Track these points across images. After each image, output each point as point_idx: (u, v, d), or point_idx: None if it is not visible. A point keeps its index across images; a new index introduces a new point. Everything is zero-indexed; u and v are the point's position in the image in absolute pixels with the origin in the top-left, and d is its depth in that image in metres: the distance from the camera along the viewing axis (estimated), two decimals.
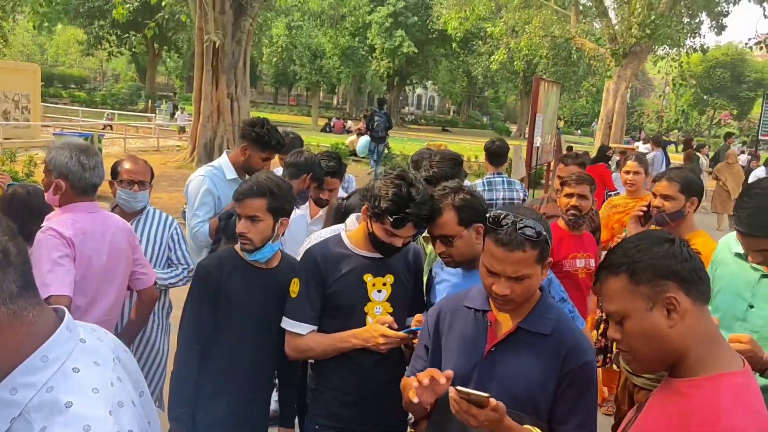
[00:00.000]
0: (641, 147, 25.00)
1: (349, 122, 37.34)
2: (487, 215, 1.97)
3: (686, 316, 1.48)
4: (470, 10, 23.67)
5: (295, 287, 2.51)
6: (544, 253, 1.93)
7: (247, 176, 3.95)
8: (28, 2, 26.60)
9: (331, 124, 37.27)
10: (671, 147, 31.79)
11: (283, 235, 2.71)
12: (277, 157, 4.46)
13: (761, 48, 21.09)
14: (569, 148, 18.98)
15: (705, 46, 23.06)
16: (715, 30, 21.38)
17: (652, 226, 3.52)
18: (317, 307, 2.50)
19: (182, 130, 23.31)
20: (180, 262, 3.56)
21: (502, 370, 1.96)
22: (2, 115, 17.80)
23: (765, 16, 20.03)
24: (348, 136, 25.50)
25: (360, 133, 21.15)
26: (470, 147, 27.77)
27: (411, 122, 54.56)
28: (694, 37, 21.36)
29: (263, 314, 2.61)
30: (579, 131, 57.47)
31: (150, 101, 35.73)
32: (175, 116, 26.67)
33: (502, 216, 1.92)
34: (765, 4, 19.68)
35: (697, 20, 20.82)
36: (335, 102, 69.67)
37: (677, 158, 24.40)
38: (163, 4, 15.33)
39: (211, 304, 2.58)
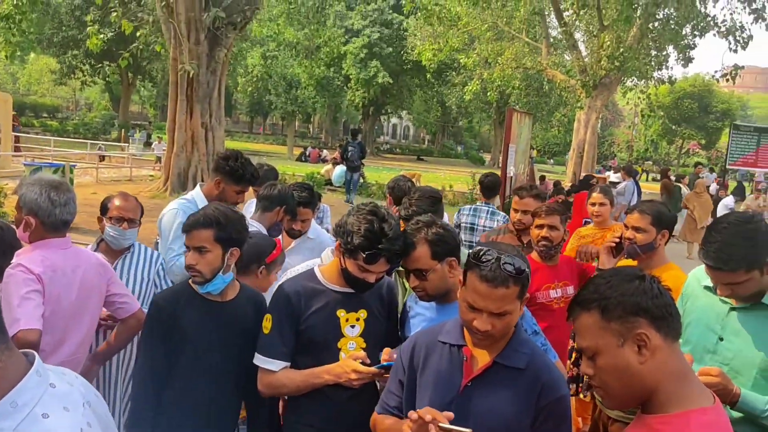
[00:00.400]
0: (612, 176, 25.45)
1: (325, 151, 37.49)
2: (469, 251, 1.99)
3: (657, 353, 1.49)
4: (444, 42, 24.03)
5: (267, 323, 2.49)
6: (524, 289, 1.98)
7: None
8: (0, 32, 26.41)
9: (307, 153, 37.35)
10: (640, 176, 32.36)
11: (236, 266, 2.68)
12: (251, 189, 4.46)
13: (727, 80, 21.67)
14: (542, 178, 19.27)
15: (672, 78, 23.63)
16: (682, 62, 21.90)
17: (624, 257, 3.57)
18: (290, 344, 2.48)
19: (159, 160, 23.14)
20: None
21: (479, 406, 1.97)
22: None
23: (730, 50, 20.60)
24: (323, 165, 25.55)
25: (336, 163, 21.24)
26: (445, 176, 28.01)
27: (386, 151, 54.88)
28: (661, 69, 21.89)
29: (220, 349, 2.58)
30: (552, 161, 58.25)
31: (123, 130, 35.50)
32: (153, 146, 26.51)
33: (483, 252, 1.94)
34: (730, 38, 20.29)
35: (664, 53, 21.35)
36: (311, 131, 69.89)
37: (648, 187, 24.84)
38: (138, 34, 15.32)
39: (165, 339, 2.54)
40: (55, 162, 15.64)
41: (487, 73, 24.77)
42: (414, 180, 21.11)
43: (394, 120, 74.87)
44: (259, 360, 2.49)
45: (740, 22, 20.16)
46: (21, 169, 13.81)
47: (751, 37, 20.20)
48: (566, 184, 17.08)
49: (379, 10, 42.24)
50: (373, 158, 42.75)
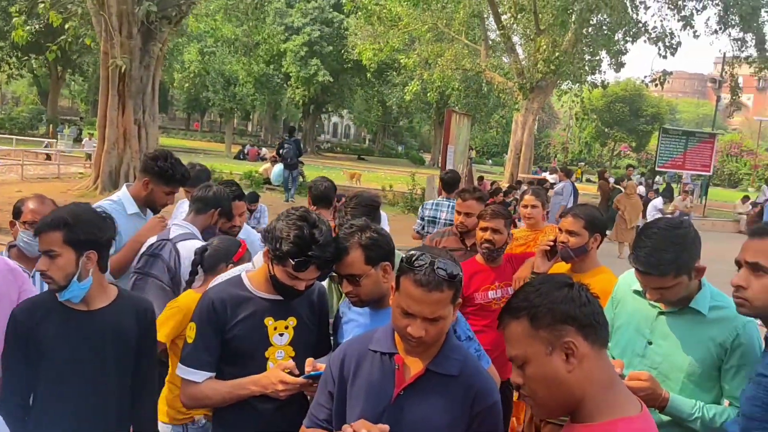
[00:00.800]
0: (549, 177, 25.95)
1: (264, 149, 37.00)
2: (402, 256, 1.95)
3: (584, 361, 1.48)
4: (384, 42, 24.05)
5: (191, 332, 2.38)
6: (458, 293, 1.95)
7: (149, 211, 3.79)
8: None
9: (245, 151, 36.78)
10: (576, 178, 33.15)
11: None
12: (183, 190, 4.30)
13: (656, 85, 22.49)
14: (480, 178, 19.50)
15: (605, 82, 24.35)
16: (614, 67, 22.62)
17: (559, 261, 3.59)
18: (215, 353, 2.38)
19: (89, 157, 22.35)
20: None
21: (411, 415, 1.94)
22: None
23: (660, 55, 21.40)
24: (262, 163, 25.18)
25: (274, 161, 20.99)
26: (385, 176, 28.06)
27: (327, 150, 54.67)
28: (594, 74, 22.52)
29: (90, 359, 2.40)
30: (490, 161, 59.18)
31: (52, 126, 34.11)
32: (83, 142, 25.53)
33: (416, 256, 1.91)
34: (660, 44, 21.05)
35: (597, 57, 21.97)
36: (251, 129, 68.96)
37: (584, 189, 25.49)
38: (66, 26, 14.72)
39: (24, 351, 2.37)
40: None
41: (427, 74, 24.92)
42: (354, 180, 21.01)
43: (335, 119, 74.68)
44: (182, 371, 2.38)
45: (670, 29, 20.99)
46: None
47: (679, 43, 21.05)
48: (503, 185, 17.35)
49: (319, 8, 41.99)
50: (314, 157, 42.48)
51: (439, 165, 15.49)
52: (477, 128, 45.22)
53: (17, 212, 3.07)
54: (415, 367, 1.98)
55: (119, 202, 3.63)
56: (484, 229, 3.83)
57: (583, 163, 57.92)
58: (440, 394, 1.94)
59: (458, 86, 28.16)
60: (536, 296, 1.53)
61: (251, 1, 19.58)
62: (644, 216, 15.99)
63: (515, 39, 23.66)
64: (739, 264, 2.12)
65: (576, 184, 17.52)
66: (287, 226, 2.27)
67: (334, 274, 2.55)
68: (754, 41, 21.70)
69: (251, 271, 2.51)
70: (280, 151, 17.65)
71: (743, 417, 2.08)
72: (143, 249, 3.39)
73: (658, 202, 18.06)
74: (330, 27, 41.42)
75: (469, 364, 2.02)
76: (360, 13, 24.24)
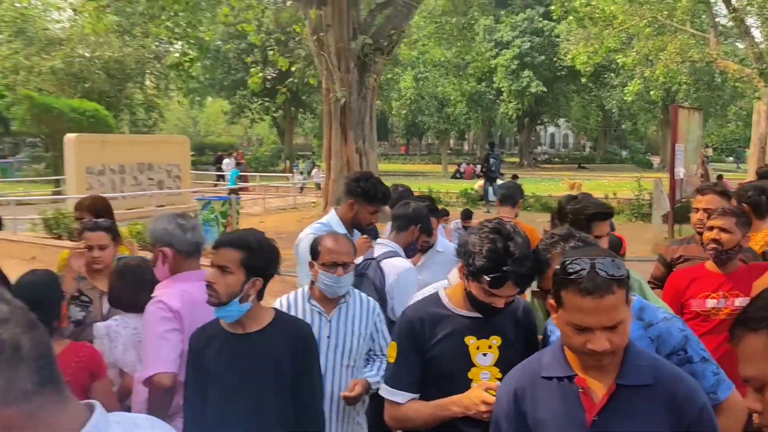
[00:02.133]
0: None
1: (479, 167, 37.17)
2: (566, 262, 1.74)
3: None
4: (599, 43, 22.90)
5: (392, 351, 2.35)
6: (629, 290, 1.72)
7: (356, 231, 3.91)
8: (177, 81, 29.48)
9: (461, 169, 37.27)
10: None
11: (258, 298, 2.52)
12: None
13: None
14: (719, 177, 17.58)
15: None
16: None
17: None
18: (416, 374, 2.31)
19: (318, 186, 24.26)
20: (383, 352, 3.06)
21: None
22: (157, 185, 19.41)
23: None
24: (477, 180, 25.30)
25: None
26: (608, 183, 26.54)
27: (544, 162, 53.36)
28: None
29: (244, 385, 2.43)
30: (730, 158, 53.35)
31: (288, 161, 37.64)
32: (312, 173, 27.87)
33: (569, 262, 1.70)
34: None
35: None
36: (466, 148, 69.89)
37: None
38: (293, 69, 16.11)
39: (193, 378, 2.50)
40: (221, 195, 16.82)
41: (648, 71, 23.22)
42: (575, 189, 20.36)
43: (551, 129, 72.86)
44: (385, 391, 2.35)
45: None
46: (196, 204, 15.01)
47: None
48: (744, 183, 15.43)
49: (528, 19, 41.37)
50: (531, 170, 41.74)
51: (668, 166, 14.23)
52: (712, 124, 41.18)
53: (315, 252, 3.03)
54: (598, 386, 1.75)
55: (328, 224, 3.78)
56: (711, 228, 3.41)
57: None
58: (641, 410, 1.70)
59: (686, 80, 25.86)
60: None
61: (456, 22, 19.83)
62: None
63: (749, 21, 21.12)
64: None
65: None
66: (479, 239, 2.15)
67: (536, 290, 2.37)
68: None
69: (449, 288, 2.42)
70: (489, 165, 17.93)
71: None
72: None
73: None
74: (540, 36, 40.58)
75: (663, 369, 1.77)
76: (571, 17, 23.38)
